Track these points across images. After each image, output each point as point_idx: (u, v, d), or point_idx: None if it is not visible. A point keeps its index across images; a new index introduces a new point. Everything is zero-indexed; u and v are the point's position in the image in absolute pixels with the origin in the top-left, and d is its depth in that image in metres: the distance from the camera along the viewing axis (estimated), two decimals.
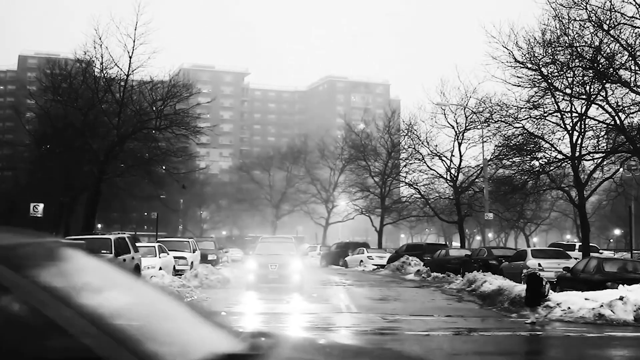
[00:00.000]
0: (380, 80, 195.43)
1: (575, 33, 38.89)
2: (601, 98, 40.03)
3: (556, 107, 41.73)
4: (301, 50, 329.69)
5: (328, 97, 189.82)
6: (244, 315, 21.87)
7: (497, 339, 17.76)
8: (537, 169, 45.75)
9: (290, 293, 28.03)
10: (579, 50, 38.84)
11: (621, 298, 21.21)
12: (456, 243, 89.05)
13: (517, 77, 41.46)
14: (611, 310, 20.80)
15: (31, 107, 76.47)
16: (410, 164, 64.12)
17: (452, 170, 59.01)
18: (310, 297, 27.26)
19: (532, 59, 40.88)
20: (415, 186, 65.07)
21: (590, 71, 39.17)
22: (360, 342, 15.99)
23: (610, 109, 39.76)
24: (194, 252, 42.26)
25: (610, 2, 36.42)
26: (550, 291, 21.90)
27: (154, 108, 54.04)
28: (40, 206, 42.00)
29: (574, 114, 42.00)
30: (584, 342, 17.42)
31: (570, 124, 42.16)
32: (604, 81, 38.81)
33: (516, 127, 44.25)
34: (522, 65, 41.15)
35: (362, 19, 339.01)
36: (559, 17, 39.31)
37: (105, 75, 53.41)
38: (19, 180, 76.84)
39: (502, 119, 45.01)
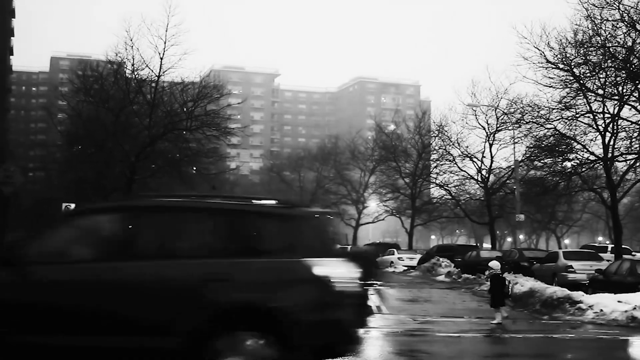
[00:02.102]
0: (411, 81, 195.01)
1: (607, 33, 38.61)
2: (634, 99, 39.73)
3: (588, 108, 41.42)
4: (331, 51, 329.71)
5: (358, 98, 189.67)
6: None
7: (528, 341, 17.65)
8: (569, 170, 45.46)
9: None
10: (611, 50, 38.56)
11: None
12: (487, 244, 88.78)
13: (549, 77, 41.23)
14: None
15: (63, 109, 77.02)
16: (441, 165, 63.91)
17: (483, 172, 58.72)
18: None
19: (564, 59, 40.62)
20: (446, 187, 64.85)
21: (623, 72, 38.87)
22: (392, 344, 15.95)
23: None
24: None
25: None
26: (512, 289, 21.65)
27: (185, 109, 54.21)
28: (72, 206, 42.25)
29: (607, 115, 41.65)
30: (617, 345, 17.28)
31: (603, 125, 41.80)
32: (637, 82, 38.52)
33: (548, 128, 43.98)
34: (553, 66, 40.90)
35: (392, 20, 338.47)
36: (591, 17, 39.04)
37: (137, 76, 53.64)
38: (51, 181, 77.35)
39: (534, 120, 44.75)
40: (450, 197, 65.70)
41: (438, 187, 68.33)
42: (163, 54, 51.85)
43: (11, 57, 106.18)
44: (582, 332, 19.25)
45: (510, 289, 20.61)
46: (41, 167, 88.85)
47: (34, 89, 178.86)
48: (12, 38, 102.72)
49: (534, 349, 16.73)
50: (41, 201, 72.04)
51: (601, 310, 21.44)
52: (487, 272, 21.20)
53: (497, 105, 53.54)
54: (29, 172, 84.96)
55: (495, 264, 20.91)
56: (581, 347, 17.36)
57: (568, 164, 45.62)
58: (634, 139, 41.70)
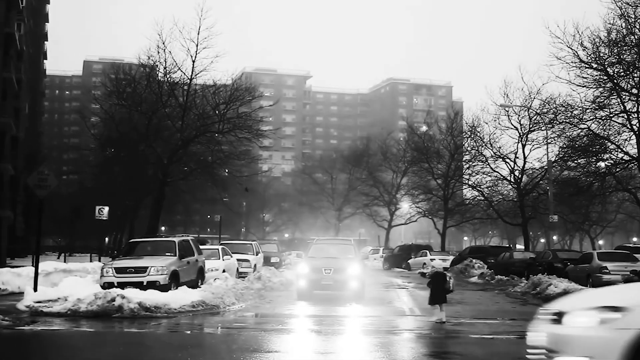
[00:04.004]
0: (443, 82, 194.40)
1: None
2: None
3: (622, 107, 41.15)
4: (362, 53, 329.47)
5: (390, 100, 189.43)
6: (296, 317, 21.91)
7: None
8: (602, 170, 45.17)
9: (346, 302, 25.12)
10: None
11: None
12: (520, 245, 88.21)
13: (582, 77, 41.04)
14: None
15: (96, 112, 77.71)
16: (474, 166, 63.73)
17: (516, 172, 58.43)
18: (371, 300, 26.49)
19: (597, 59, 40.40)
20: (479, 188, 64.64)
21: None
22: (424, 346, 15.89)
23: None
24: (257, 254, 42.38)
25: None
26: (452, 285, 21.32)
27: (217, 112, 54.44)
28: (106, 209, 42.51)
29: None
30: None
31: (637, 125, 41.49)
32: None
33: (581, 128, 43.76)
34: (587, 66, 40.70)
35: (424, 21, 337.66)
36: (625, 16, 38.82)
37: (169, 79, 53.97)
38: (84, 184, 77.93)
39: (567, 120, 44.54)
40: (482, 198, 65.49)
41: (470, 188, 68.17)
42: (195, 56, 52.22)
43: (45, 61, 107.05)
44: None
45: (451, 285, 20.35)
46: (75, 170, 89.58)
47: (67, 92, 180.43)
48: (45, 42, 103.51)
49: None
50: (75, 204, 72.58)
51: None
52: (428, 271, 21.03)
53: (530, 106, 53.25)
54: (63, 176, 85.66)
55: (437, 263, 20.94)
56: None
57: (602, 164, 45.36)
58: None
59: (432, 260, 46.54)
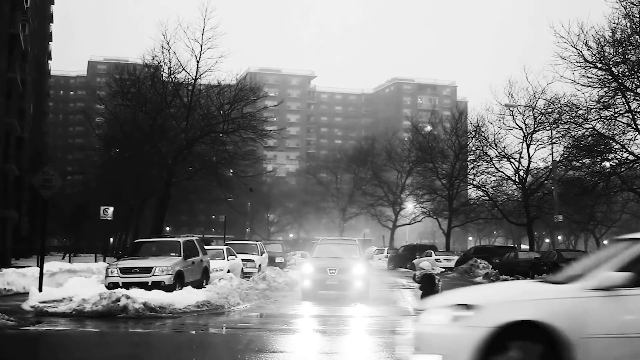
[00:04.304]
0: (447, 81, 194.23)
1: None
2: None
3: (627, 107, 41.07)
4: (367, 53, 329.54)
5: (394, 99, 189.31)
6: (301, 317, 21.91)
7: None
8: (607, 170, 45.10)
9: (351, 303, 24.99)
10: None
11: None
12: (525, 245, 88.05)
13: (587, 77, 40.95)
14: None
15: (101, 112, 77.71)
16: (478, 165, 63.69)
17: (521, 172, 58.36)
18: (376, 300, 26.43)
19: (602, 58, 40.32)
20: (483, 188, 64.58)
21: None
22: None
23: None
24: (261, 254, 42.40)
25: None
26: (441, 287, 21.33)
27: (222, 112, 54.43)
28: (110, 209, 42.52)
29: None
30: None
31: None
32: None
33: (586, 128, 43.68)
34: (591, 65, 40.62)
35: (428, 21, 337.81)
36: (629, 16, 38.76)
37: (173, 79, 53.98)
38: (89, 184, 78.03)
39: (572, 120, 44.46)
40: (487, 198, 65.41)
41: (475, 188, 68.13)
42: (199, 57, 52.20)
43: (49, 61, 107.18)
44: None
45: (440, 288, 20.35)
46: (79, 170, 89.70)
47: (71, 93, 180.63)
48: (50, 43, 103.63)
49: None
50: (80, 204, 72.68)
51: None
52: (417, 273, 20.93)
53: (535, 106, 53.18)
54: (68, 176, 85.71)
55: (425, 265, 20.82)
56: None
57: (607, 164, 45.29)
58: None
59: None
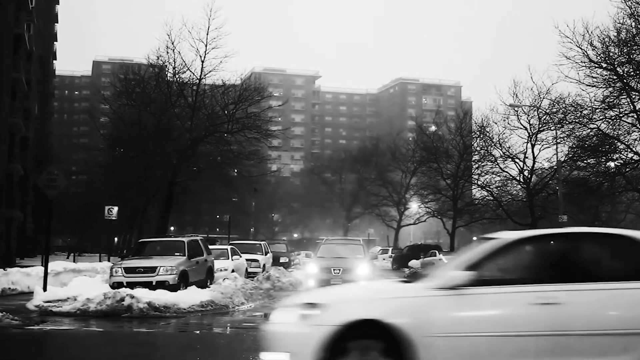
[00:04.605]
0: (452, 81, 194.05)
1: None
2: None
3: (632, 107, 41.04)
4: (371, 53, 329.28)
5: (399, 99, 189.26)
6: None
7: None
8: (612, 170, 45.07)
9: None
10: None
11: None
12: None
13: (592, 77, 40.95)
14: None
15: (105, 112, 77.70)
16: (483, 165, 63.55)
17: (525, 172, 58.30)
18: None
19: (607, 58, 40.30)
20: (488, 188, 64.48)
21: None
22: None
23: None
24: (266, 254, 42.41)
25: None
26: None
27: (226, 111, 54.40)
28: (115, 209, 42.49)
29: None
30: None
31: None
32: None
33: (591, 128, 43.67)
34: (596, 65, 40.61)
35: (432, 21, 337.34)
36: (634, 15, 38.73)
37: (178, 79, 53.98)
38: (93, 184, 78.01)
39: (576, 120, 44.44)
40: (492, 198, 65.34)
41: (480, 188, 67.95)
42: (204, 57, 52.20)
43: (54, 61, 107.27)
44: None
45: None
46: (84, 170, 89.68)
47: (76, 92, 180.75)
48: (55, 43, 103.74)
49: None
50: (84, 204, 72.71)
51: None
52: (407, 272, 20.73)
53: (539, 106, 53.10)
54: (72, 176, 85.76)
55: (414, 263, 20.90)
56: None
57: (612, 164, 45.26)
58: None
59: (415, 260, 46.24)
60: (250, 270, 37.35)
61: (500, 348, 8.44)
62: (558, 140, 49.03)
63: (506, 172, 60.62)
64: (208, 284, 27.75)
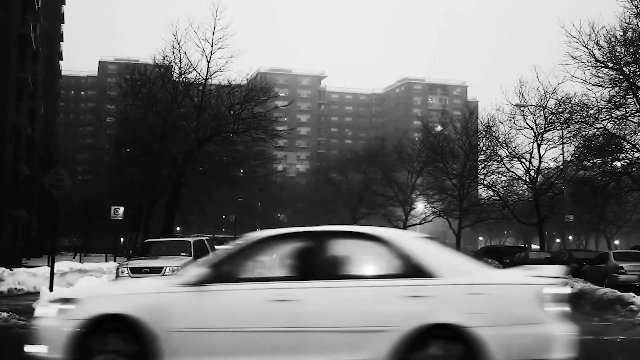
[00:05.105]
0: (458, 81, 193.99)
1: None
2: None
3: (638, 107, 40.94)
4: (377, 53, 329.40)
5: (405, 99, 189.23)
6: None
7: (579, 343, 17.41)
8: (618, 170, 44.99)
9: None
10: None
11: None
12: (535, 245, 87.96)
13: (598, 77, 40.89)
14: None
15: (111, 112, 77.80)
16: (489, 165, 63.46)
17: (532, 172, 58.21)
18: None
19: (613, 58, 40.23)
20: (494, 188, 64.40)
21: None
22: None
23: None
24: None
25: None
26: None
27: (232, 112, 54.43)
28: (121, 209, 42.55)
29: None
30: None
31: None
32: None
33: (597, 128, 43.59)
34: (603, 65, 40.54)
35: (438, 21, 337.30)
36: None
37: (184, 80, 54.02)
38: (99, 184, 78.10)
39: (583, 120, 44.38)
40: (498, 198, 65.23)
41: (486, 188, 67.90)
42: (210, 57, 52.25)
43: (60, 61, 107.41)
44: (633, 334, 18.94)
45: None
46: (90, 170, 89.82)
47: (82, 93, 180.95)
48: (61, 43, 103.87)
49: (584, 350, 16.50)
50: (90, 204, 72.79)
51: None
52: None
53: (545, 105, 53.06)
54: (78, 176, 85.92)
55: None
56: (632, 348, 17.11)
57: (618, 164, 45.17)
58: None
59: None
60: None
61: (235, 343, 8.70)
62: (564, 140, 49.01)
63: (512, 172, 60.63)
64: None
